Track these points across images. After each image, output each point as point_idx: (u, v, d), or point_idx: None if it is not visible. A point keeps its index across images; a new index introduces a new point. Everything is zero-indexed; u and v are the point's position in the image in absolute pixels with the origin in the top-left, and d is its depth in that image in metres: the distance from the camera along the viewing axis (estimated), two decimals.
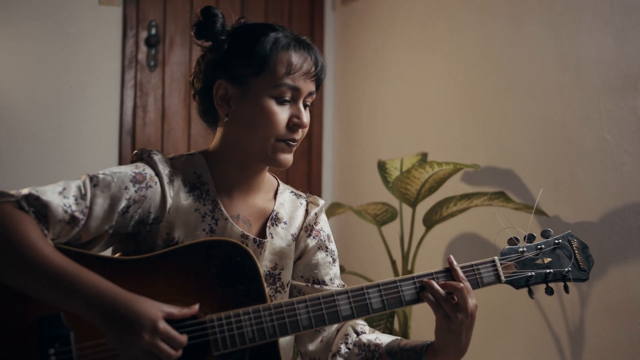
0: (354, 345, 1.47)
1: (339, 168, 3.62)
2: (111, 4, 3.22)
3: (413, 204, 2.44)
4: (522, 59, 2.50)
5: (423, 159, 2.61)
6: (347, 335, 1.48)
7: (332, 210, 2.78)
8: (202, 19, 1.42)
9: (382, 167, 2.58)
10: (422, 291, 1.34)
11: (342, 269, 2.60)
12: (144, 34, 3.28)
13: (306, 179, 3.63)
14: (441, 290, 1.33)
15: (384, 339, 1.47)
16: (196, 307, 1.26)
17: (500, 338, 2.52)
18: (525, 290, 1.42)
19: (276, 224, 1.48)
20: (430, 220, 2.43)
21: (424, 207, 2.50)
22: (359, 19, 3.48)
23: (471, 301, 1.33)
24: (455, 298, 1.33)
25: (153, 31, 3.29)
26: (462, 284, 1.33)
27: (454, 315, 1.32)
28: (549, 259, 1.42)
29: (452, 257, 1.38)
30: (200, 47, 1.46)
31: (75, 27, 3.15)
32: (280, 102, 1.38)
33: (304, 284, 1.51)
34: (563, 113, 2.32)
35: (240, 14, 3.48)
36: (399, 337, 1.47)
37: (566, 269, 1.41)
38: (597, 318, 2.18)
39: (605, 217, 2.16)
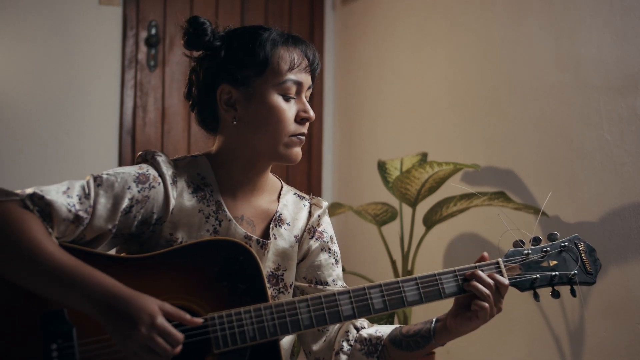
0: (356, 341, 1.48)
1: (339, 168, 3.62)
2: (111, 4, 3.22)
3: (413, 204, 2.44)
4: (522, 58, 2.50)
5: (423, 159, 2.61)
6: (347, 332, 1.49)
7: (332, 210, 2.78)
8: (191, 30, 1.42)
9: (382, 167, 2.58)
10: (468, 282, 1.36)
11: (342, 269, 2.60)
12: (144, 34, 3.28)
13: (306, 179, 3.63)
14: (491, 281, 1.35)
15: (384, 329, 1.49)
16: (199, 320, 1.25)
17: (500, 338, 2.52)
18: (526, 291, 1.41)
19: (279, 225, 1.50)
20: (430, 220, 2.43)
21: (424, 207, 2.50)
22: (359, 19, 3.47)
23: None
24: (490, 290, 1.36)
25: (153, 31, 3.29)
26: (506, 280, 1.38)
27: (498, 306, 1.36)
28: (555, 262, 1.41)
29: (486, 253, 1.40)
30: (190, 58, 1.47)
31: (75, 27, 3.15)
32: (286, 98, 1.42)
33: (307, 284, 1.52)
34: (563, 113, 2.32)
35: (240, 14, 3.48)
36: (398, 325, 1.49)
37: (572, 272, 1.40)
38: (597, 318, 2.18)
39: (605, 217, 2.16)
